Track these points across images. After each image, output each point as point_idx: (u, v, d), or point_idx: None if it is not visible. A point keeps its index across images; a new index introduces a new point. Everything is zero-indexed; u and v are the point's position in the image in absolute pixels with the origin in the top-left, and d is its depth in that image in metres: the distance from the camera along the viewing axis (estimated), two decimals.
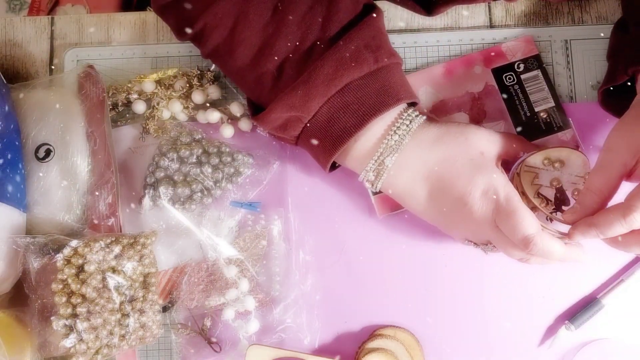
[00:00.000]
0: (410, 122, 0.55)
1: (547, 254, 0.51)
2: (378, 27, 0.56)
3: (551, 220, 0.56)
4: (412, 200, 0.56)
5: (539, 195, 0.55)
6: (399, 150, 0.54)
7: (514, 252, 0.53)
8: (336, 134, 0.54)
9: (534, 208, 0.55)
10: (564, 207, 0.54)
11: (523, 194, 0.56)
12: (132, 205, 0.63)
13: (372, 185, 0.56)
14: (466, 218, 0.53)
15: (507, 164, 0.58)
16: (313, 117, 0.55)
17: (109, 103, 0.64)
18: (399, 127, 0.54)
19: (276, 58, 0.54)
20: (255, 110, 0.59)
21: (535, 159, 0.56)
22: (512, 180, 0.56)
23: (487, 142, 0.55)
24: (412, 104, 0.58)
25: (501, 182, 0.52)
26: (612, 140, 0.51)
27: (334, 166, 0.59)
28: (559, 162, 0.56)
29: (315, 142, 0.56)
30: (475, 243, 0.56)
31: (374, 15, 0.56)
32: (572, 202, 0.55)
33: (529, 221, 0.50)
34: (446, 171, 0.53)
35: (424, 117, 0.56)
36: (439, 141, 0.54)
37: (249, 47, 0.55)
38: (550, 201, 0.55)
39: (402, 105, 0.56)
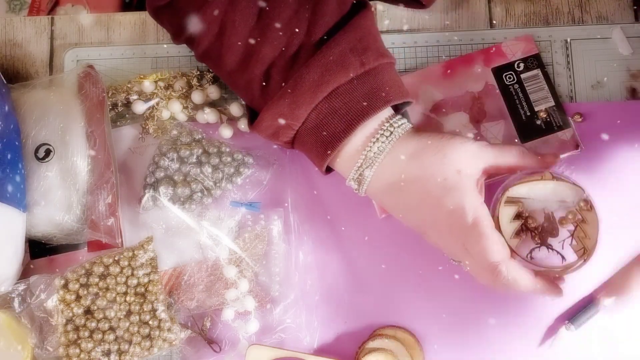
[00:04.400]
0: (391, 133, 0.53)
1: (513, 285, 0.49)
2: (366, 28, 0.55)
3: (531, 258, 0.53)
4: (393, 210, 0.56)
5: (522, 229, 0.52)
6: (377, 162, 0.53)
7: (482, 276, 0.51)
8: (326, 140, 0.54)
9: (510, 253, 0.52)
10: (550, 239, 0.51)
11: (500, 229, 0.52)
12: (132, 205, 0.63)
13: (358, 191, 0.56)
14: (437, 237, 0.53)
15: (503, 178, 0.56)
16: (302, 124, 0.54)
17: (109, 103, 0.64)
18: (378, 138, 0.53)
19: (262, 64, 0.54)
20: (252, 115, 0.59)
21: (519, 189, 0.52)
22: (496, 204, 0.53)
23: (469, 158, 0.52)
24: (406, 104, 0.58)
25: (471, 205, 0.50)
26: None
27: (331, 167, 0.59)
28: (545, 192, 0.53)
29: (307, 147, 0.56)
30: (453, 259, 0.55)
31: (361, 16, 0.55)
32: (562, 231, 0.52)
33: (496, 247, 0.49)
34: (418, 189, 0.52)
35: (408, 127, 0.54)
36: (416, 156, 0.53)
37: (235, 53, 0.55)
38: (535, 233, 0.52)
39: (388, 112, 0.55)
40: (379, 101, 0.53)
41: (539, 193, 0.52)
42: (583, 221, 0.51)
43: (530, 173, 0.52)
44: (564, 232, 0.51)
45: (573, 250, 0.51)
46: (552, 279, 0.51)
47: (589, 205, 0.51)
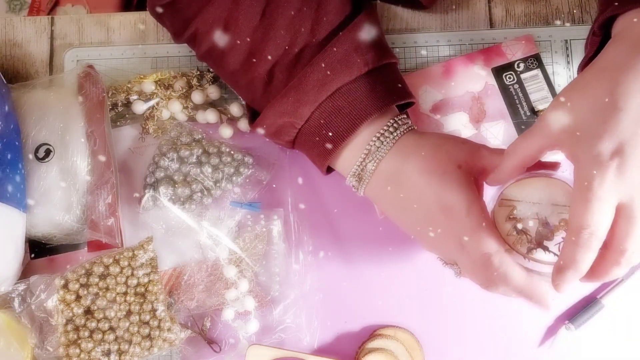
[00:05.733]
0: (396, 129, 0.54)
1: (505, 279, 0.48)
2: (369, 27, 0.55)
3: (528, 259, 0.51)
4: (389, 209, 0.55)
5: (517, 231, 0.51)
6: (380, 157, 0.53)
7: (477, 275, 0.50)
8: (329, 139, 0.54)
9: (508, 249, 0.50)
10: (545, 242, 0.50)
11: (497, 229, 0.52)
12: (132, 205, 0.63)
13: (357, 190, 0.56)
14: (432, 235, 0.52)
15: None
16: (305, 123, 0.54)
17: (109, 103, 0.64)
18: (382, 133, 0.53)
19: (266, 63, 0.54)
20: (253, 115, 0.59)
21: (512, 190, 0.51)
22: (492, 206, 0.52)
23: (470, 156, 0.52)
24: (408, 104, 0.58)
25: (469, 198, 0.50)
26: (552, 106, 0.47)
27: (332, 167, 0.59)
28: (538, 193, 0.51)
29: (309, 146, 0.56)
30: (445, 262, 0.54)
31: (365, 15, 0.55)
32: (555, 236, 0.50)
33: (489, 239, 0.48)
34: (417, 183, 0.52)
35: (411, 127, 0.55)
36: (417, 151, 0.53)
37: (238, 52, 0.55)
38: (530, 236, 0.50)
39: (392, 111, 0.55)
40: (382, 101, 0.54)
41: (532, 193, 0.51)
42: None
43: (530, 176, 0.52)
44: (559, 236, 0.51)
45: None
46: (543, 290, 0.50)
47: None
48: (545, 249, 0.50)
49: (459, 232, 0.50)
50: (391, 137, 0.53)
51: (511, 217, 0.51)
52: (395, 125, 0.54)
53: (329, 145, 0.54)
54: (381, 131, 0.53)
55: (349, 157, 0.55)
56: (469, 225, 0.49)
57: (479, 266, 0.49)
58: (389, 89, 0.54)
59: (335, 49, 0.53)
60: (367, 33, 0.55)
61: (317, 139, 0.55)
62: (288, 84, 0.54)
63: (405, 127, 0.54)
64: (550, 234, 0.50)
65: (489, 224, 0.49)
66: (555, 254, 0.50)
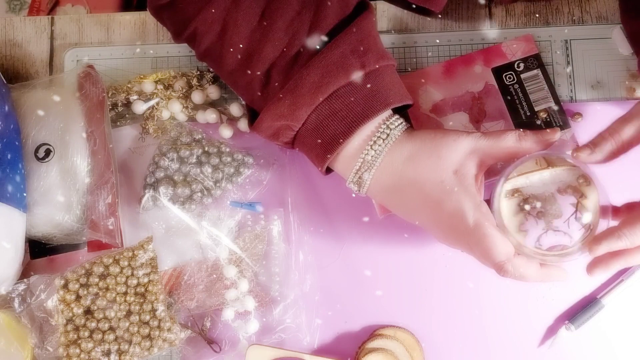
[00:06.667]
0: (387, 135, 0.53)
1: (522, 279, 0.50)
2: (367, 29, 0.55)
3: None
4: (395, 210, 0.56)
5: (526, 218, 0.52)
6: (375, 166, 0.53)
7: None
8: (326, 141, 0.54)
9: (518, 245, 0.51)
10: (555, 222, 0.51)
11: (504, 227, 0.52)
12: (132, 205, 0.63)
13: (358, 192, 0.56)
14: (442, 236, 0.53)
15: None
16: (302, 125, 0.54)
17: (109, 103, 0.64)
18: (375, 141, 0.53)
19: (263, 64, 0.54)
20: (253, 115, 0.59)
21: (517, 182, 0.52)
22: (496, 199, 0.52)
23: (464, 156, 0.52)
24: (406, 106, 0.58)
25: (471, 206, 0.50)
26: None
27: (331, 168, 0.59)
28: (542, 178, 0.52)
29: (307, 148, 0.56)
30: None
31: (362, 17, 0.55)
32: (564, 210, 0.51)
33: (499, 248, 0.49)
34: (416, 193, 0.52)
35: (404, 128, 0.54)
36: (411, 160, 0.53)
37: (237, 53, 0.55)
38: (540, 216, 0.51)
39: (386, 113, 0.55)
40: (379, 103, 0.53)
41: (537, 183, 0.52)
42: (583, 196, 0.51)
43: (529, 157, 0.52)
44: (566, 212, 0.52)
45: (580, 226, 0.51)
46: (560, 270, 0.52)
47: (587, 180, 0.51)
48: (555, 229, 0.51)
49: (467, 241, 0.51)
50: (384, 144, 0.53)
51: (520, 205, 0.52)
52: (386, 131, 0.53)
53: (325, 149, 0.54)
54: (374, 139, 0.53)
55: (346, 162, 0.55)
56: (476, 236, 0.50)
57: (493, 271, 0.50)
58: (386, 92, 0.54)
59: (332, 51, 0.53)
60: (364, 36, 0.54)
61: (315, 141, 0.55)
62: (285, 86, 0.54)
63: (397, 131, 0.54)
64: (559, 211, 0.51)
65: (496, 231, 0.50)
66: (565, 233, 0.51)
